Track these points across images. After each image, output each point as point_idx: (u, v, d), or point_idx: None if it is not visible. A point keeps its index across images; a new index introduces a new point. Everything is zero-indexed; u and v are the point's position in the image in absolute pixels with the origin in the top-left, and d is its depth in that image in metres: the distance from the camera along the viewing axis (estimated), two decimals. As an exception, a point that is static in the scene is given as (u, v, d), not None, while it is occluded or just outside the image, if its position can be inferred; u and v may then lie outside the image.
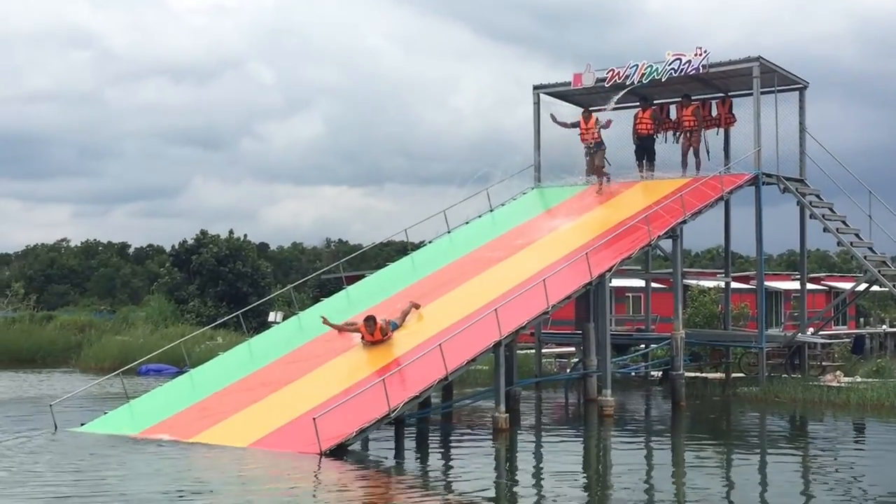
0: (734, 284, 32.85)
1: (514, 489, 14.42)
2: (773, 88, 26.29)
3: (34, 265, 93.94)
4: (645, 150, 27.31)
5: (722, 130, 27.99)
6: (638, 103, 27.87)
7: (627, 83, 26.60)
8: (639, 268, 29.76)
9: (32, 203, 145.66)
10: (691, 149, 26.99)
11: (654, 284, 32.70)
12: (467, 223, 25.85)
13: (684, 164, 27.03)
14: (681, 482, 15.22)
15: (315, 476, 14.51)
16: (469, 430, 20.76)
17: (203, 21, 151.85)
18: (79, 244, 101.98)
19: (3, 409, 22.72)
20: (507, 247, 23.72)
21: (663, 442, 20.03)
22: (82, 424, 18.66)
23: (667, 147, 27.91)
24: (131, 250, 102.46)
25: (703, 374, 29.06)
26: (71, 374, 34.31)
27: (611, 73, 26.93)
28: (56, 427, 18.41)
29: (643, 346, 29.37)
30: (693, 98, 27.85)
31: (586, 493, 14.27)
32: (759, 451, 18.36)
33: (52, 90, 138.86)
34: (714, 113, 27.85)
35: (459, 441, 19.44)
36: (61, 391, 24.33)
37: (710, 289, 35.92)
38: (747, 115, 26.46)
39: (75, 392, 22.09)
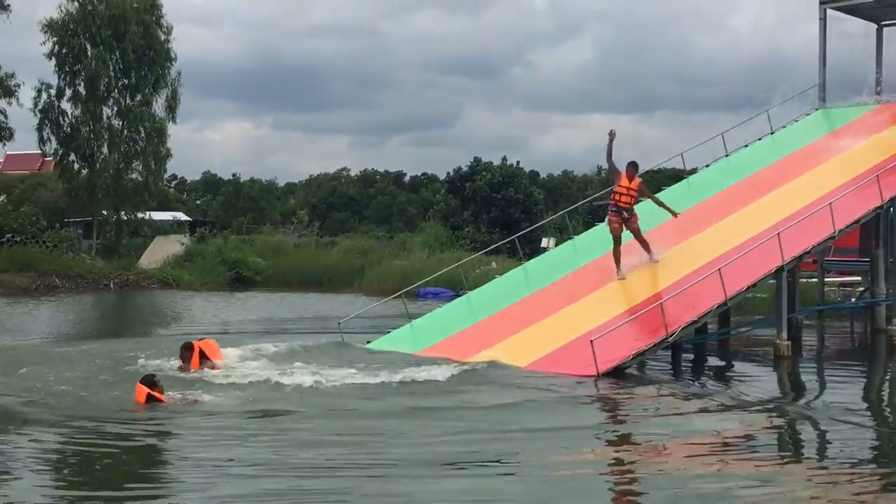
0: None
1: (796, 419, 13.91)
2: None
3: (317, 194, 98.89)
4: None
5: None
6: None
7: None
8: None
9: (314, 134, 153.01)
10: None
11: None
12: (746, 146, 24.96)
13: None
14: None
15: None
16: (748, 358, 20.26)
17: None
18: (357, 173, 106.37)
19: (296, 326, 24.11)
20: (790, 170, 22.77)
21: (960, 375, 18.86)
22: (368, 342, 19.53)
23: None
24: (406, 179, 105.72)
25: None
26: (355, 295, 35.99)
27: (910, -21, 25.10)
28: (343, 340, 19.37)
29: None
30: None
31: (871, 428, 13.55)
32: None
33: (331, 23, 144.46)
34: None
35: (738, 368, 18.99)
36: (349, 311, 25.47)
37: None
38: None
39: (360, 311, 23.10)
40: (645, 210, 19.92)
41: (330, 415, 12.60)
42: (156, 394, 12.75)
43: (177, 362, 15.72)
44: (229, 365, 15.97)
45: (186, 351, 15.65)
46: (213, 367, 15.53)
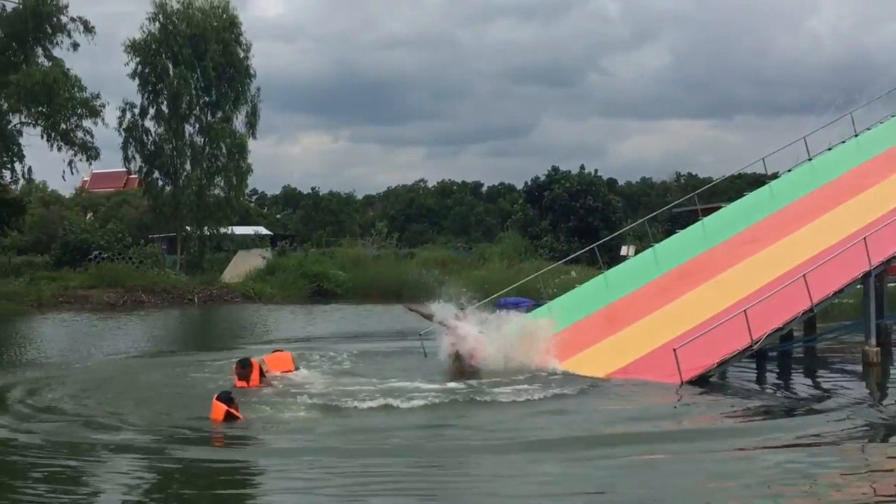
0: None
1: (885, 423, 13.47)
2: None
3: (395, 205, 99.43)
4: None
5: None
6: None
7: None
8: None
9: (391, 146, 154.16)
10: None
11: None
12: (830, 149, 24.51)
13: None
14: None
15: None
16: (836, 365, 19.86)
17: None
18: (435, 184, 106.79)
19: (378, 338, 24.23)
20: (876, 172, 22.30)
21: None
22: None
23: None
24: (484, 189, 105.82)
25: None
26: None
27: None
28: (425, 354, 19.41)
29: None
30: None
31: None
32: None
33: (406, 35, 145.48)
34: None
35: (826, 375, 18.64)
36: (429, 323, 25.45)
37: None
38: None
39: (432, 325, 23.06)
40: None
41: (409, 436, 12.19)
42: (233, 411, 12.69)
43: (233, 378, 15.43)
44: (304, 379, 15.92)
45: (244, 368, 15.26)
46: (269, 384, 15.34)
